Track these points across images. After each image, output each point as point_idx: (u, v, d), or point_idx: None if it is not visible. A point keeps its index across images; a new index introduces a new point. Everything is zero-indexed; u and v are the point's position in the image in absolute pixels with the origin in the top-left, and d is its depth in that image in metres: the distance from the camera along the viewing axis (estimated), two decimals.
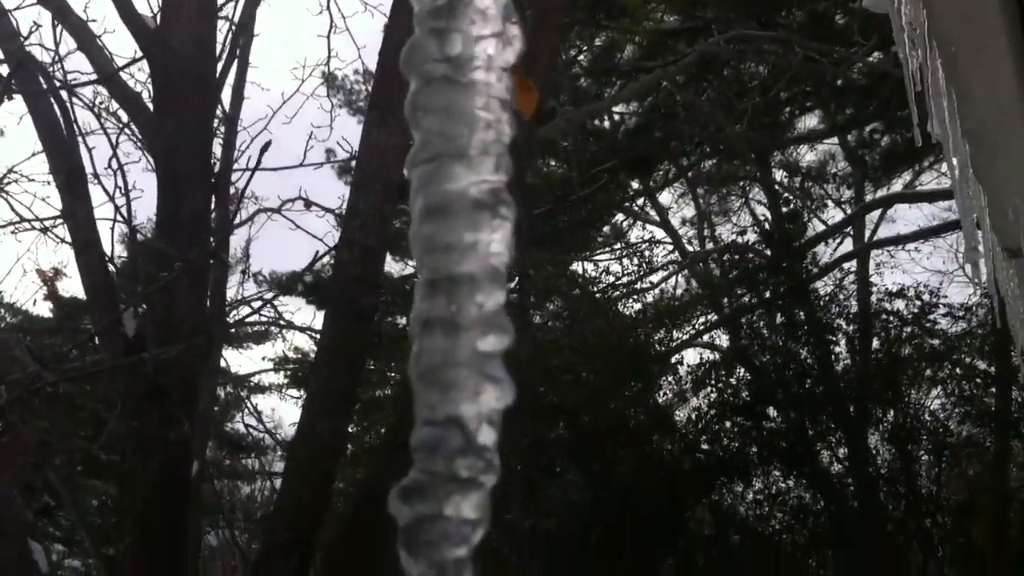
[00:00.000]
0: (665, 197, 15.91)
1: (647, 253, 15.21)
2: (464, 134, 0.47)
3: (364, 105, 11.75)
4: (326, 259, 6.83)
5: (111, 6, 5.47)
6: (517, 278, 9.25)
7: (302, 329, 9.07)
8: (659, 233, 15.81)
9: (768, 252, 14.55)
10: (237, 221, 6.02)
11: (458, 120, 0.47)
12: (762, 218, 15.38)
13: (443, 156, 0.47)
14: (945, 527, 13.88)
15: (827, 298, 13.98)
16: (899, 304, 13.64)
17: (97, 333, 5.39)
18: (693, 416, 14.06)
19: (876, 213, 15.42)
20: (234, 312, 7.80)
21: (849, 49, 9.82)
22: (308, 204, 6.01)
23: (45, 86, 5.45)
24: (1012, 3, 1.84)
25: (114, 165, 5.52)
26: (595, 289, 14.53)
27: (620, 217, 15.96)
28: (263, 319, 8.96)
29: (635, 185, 15.17)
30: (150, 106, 5.49)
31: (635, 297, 15.07)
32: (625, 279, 14.84)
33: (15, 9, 5.43)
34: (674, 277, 15.57)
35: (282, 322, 8.84)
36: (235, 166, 6.15)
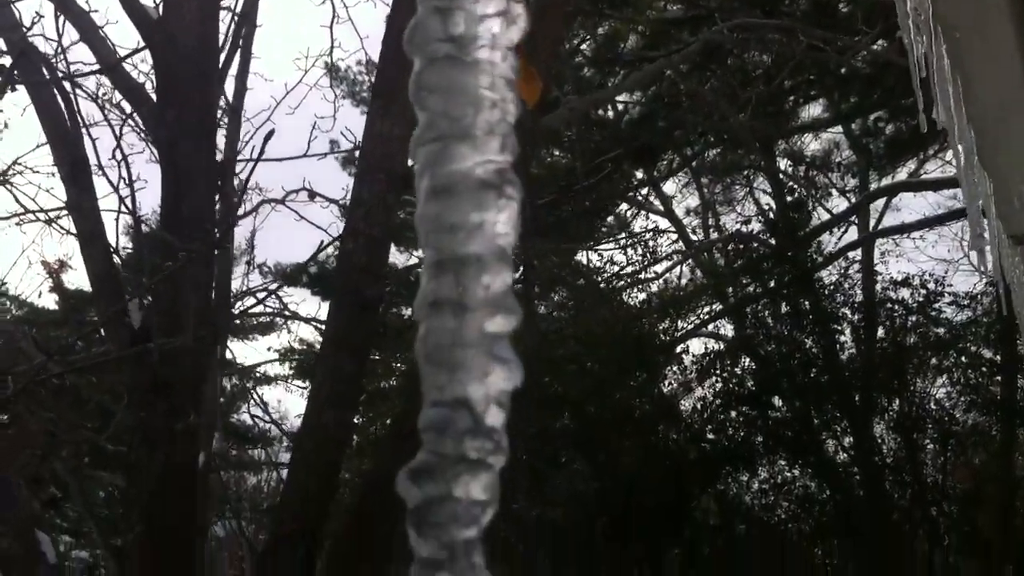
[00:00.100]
0: (669, 187, 15.87)
1: (651, 243, 15.16)
2: (469, 114, 0.47)
3: (367, 95, 11.73)
4: (330, 249, 6.86)
5: None
6: (521, 268, 9.23)
7: (307, 320, 9.09)
8: (663, 223, 15.78)
9: (773, 241, 14.53)
10: (241, 212, 6.04)
11: (463, 100, 0.47)
12: (766, 207, 15.35)
13: (448, 136, 0.47)
14: (951, 516, 13.88)
15: (832, 287, 13.94)
16: (904, 293, 13.60)
17: (102, 324, 5.40)
18: (698, 406, 14.06)
19: (881, 202, 15.40)
20: (239, 303, 7.84)
21: (853, 37, 9.77)
22: (312, 195, 6.03)
23: (48, 77, 5.46)
24: None
25: (118, 156, 5.55)
26: (599, 279, 14.50)
27: (624, 207, 15.94)
28: (268, 310, 9.00)
29: (639, 175, 15.14)
30: (153, 97, 5.49)
31: (639, 287, 15.04)
32: (629, 269, 14.82)
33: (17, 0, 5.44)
34: (678, 267, 15.57)
35: (287, 313, 8.87)
36: (239, 157, 6.17)
